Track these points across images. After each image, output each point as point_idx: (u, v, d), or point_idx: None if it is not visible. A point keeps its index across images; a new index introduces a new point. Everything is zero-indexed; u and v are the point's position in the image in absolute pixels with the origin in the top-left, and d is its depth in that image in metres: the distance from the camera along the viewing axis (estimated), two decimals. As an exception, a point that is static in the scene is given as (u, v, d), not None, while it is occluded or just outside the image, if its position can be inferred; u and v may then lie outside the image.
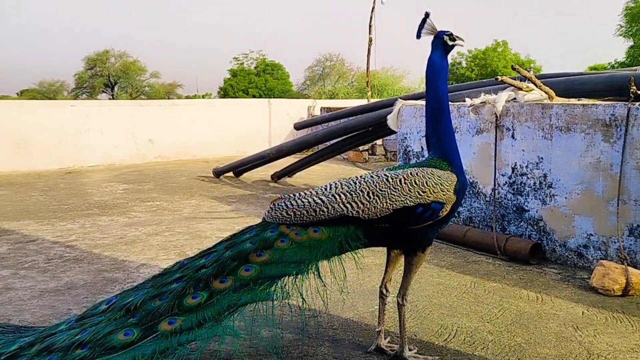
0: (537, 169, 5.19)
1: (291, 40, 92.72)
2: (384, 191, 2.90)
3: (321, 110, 15.04)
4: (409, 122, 6.60)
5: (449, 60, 3.32)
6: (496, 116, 5.46)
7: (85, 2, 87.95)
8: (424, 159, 3.35)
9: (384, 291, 3.23)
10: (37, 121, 11.59)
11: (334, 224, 2.91)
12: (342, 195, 2.92)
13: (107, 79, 52.22)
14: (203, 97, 45.34)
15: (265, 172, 10.38)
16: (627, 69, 10.00)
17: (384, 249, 3.24)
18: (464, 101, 5.90)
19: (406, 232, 2.99)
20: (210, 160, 12.67)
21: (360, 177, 3.04)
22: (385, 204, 2.89)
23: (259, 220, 3.13)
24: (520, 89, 5.44)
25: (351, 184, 2.97)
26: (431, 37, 3.17)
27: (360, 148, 12.65)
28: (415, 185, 2.92)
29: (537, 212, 5.20)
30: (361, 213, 2.89)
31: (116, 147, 12.45)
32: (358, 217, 2.89)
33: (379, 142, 12.98)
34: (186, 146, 13.35)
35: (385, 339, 3.30)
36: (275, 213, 2.97)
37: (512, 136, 5.39)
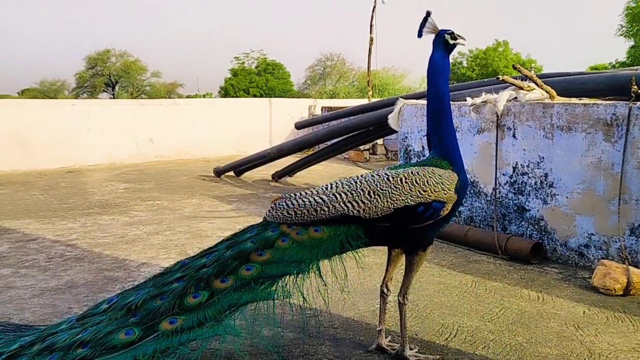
0: (538, 168, 5.18)
1: (292, 40, 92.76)
2: (385, 190, 2.90)
3: (322, 109, 15.04)
4: (410, 122, 6.60)
5: (450, 60, 3.32)
6: (497, 115, 5.46)
7: (86, 2, 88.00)
8: (424, 158, 3.35)
9: (385, 290, 3.22)
10: (38, 120, 11.59)
11: (335, 223, 2.91)
12: (343, 195, 2.91)
13: (108, 78, 52.23)
14: (204, 96, 45.35)
15: (266, 171, 10.38)
16: (628, 69, 9.99)
17: (385, 248, 3.24)
18: (465, 100, 5.89)
19: (407, 231, 2.99)
20: (211, 160, 12.68)
21: (361, 176, 3.04)
22: (386, 203, 2.89)
23: (259, 220, 3.13)
24: (521, 88, 5.43)
25: (352, 183, 2.97)
26: (432, 36, 3.17)
27: (361, 147, 12.65)
28: (416, 185, 2.92)
29: (538, 211, 5.20)
30: (362, 212, 2.88)
31: (117, 147, 12.46)
32: (359, 216, 2.89)
33: (379, 141, 12.97)
34: (187, 145, 13.35)
35: (386, 338, 3.30)
36: (276, 212, 2.97)
37: (513, 135, 5.38)
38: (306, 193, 3.00)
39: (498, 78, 5.66)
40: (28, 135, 11.39)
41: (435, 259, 5.09)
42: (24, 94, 48.71)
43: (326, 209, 2.89)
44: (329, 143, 10.07)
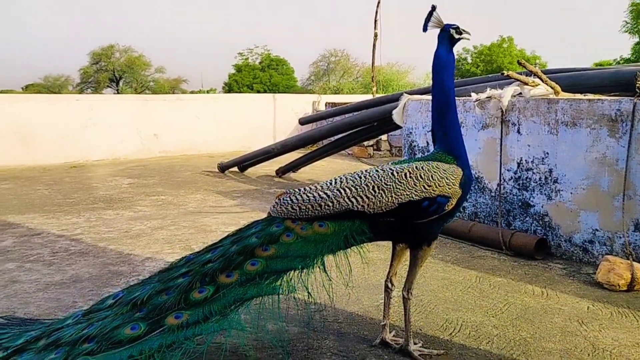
0: (542, 164, 5.17)
1: (296, 36, 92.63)
2: (390, 185, 2.90)
3: (326, 105, 15.03)
4: (414, 117, 6.59)
5: (455, 55, 3.31)
6: (502, 111, 5.45)
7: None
8: (429, 153, 3.35)
9: (390, 285, 3.23)
10: (42, 115, 11.62)
11: (339, 219, 2.91)
12: (347, 190, 2.91)
13: (112, 73, 52.31)
14: (208, 92, 45.44)
15: (269, 167, 10.39)
16: (632, 65, 9.95)
17: (389, 244, 3.24)
18: (470, 96, 5.88)
19: (412, 226, 2.99)
20: (215, 155, 12.69)
21: (366, 171, 3.04)
22: (390, 198, 2.89)
23: (263, 215, 3.13)
24: (526, 83, 5.42)
25: (356, 179, 2.97)
26: (437, 31, 3.16)
27: (365, 143, 12.64)
28: (421, 179, 2.92)
29: (542, 207, 5.19)
30: (366, 207, 2.89)
31: (121, 142, 12.48)
32: (363, 211, 2.89)
33: (384, 137, 12.96)
34: (191, 141, 13.36)
35: (390, 332, 3.30)
36: (280, 208, 2.97)
37: (518, 131, 5.37)
38: (310, 188, 3.00)
39: (503, 74, 5.65)
40: (32, 131, 11.43)
41: (440, 255, 5.09)
42: (28, 89, 48.81)
43: (330, 204, 2.89)
44: (332, 139, 10.06)
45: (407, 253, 3.18)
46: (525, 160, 5.32)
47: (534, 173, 5.25)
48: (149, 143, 12.86)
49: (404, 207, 2.90)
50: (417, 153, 6.55)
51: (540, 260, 4.95)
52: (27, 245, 5.43)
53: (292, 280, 2.84)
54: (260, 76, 45.81)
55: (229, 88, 45.78)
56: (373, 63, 15.98)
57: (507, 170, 5.50)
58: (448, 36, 3.12)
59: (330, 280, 2.97)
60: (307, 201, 2.92)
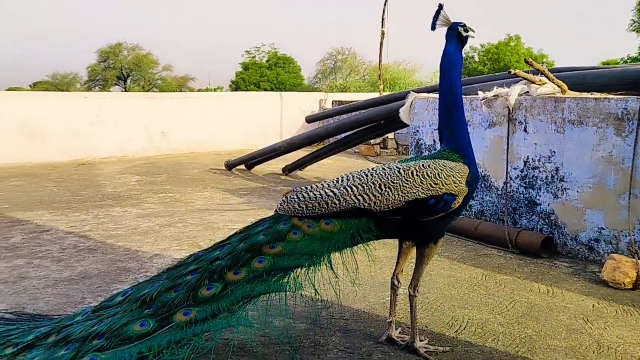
0: (549, 162, 5.18)
1: (303, 34, 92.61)
2: (396, 183, 2.92)
3: (333, 103, 15.04)
4: (421, 115, 6.60)
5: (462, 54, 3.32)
6: (509, 109, 5.45)
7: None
8: (436, 151, 3.36)
9: (396, 282, 3.25)
10: (50, 113, 11.69)
11: (346, 216, 2.93)
12: (354, 188, 2.93)
13: (119, 71, 52.51)
14: (215, 90, 45.47)
15: (276, 165, 10.42)
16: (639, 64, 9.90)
17: (395, 241, 3.26)
18: (477, 94, 5.88)
19: (418, 224, 3.01)
20: (222, 153, 12.74)
21: (372, 169, 3.05)
22: (397, 196, 2.90)
23: (270, 213, 3.16)
24: (533, 82, 5.42)
25: (363, 176, 2.99)
26: (445, 30, 3.17)
27: (372, 141, 12.65)
28: (428, 177, 2.93)
29: (548, 205, 5.19)
30: (373, 205, 2.90)
31: (129, 139, 12.55)
32: (370, 209, 2.91)
33: (390, 135, 12.96)
34: (198, 139, 13.41)
35: (396, 329, 3.32)
36: (287, 205, 2.99)
37: (525, 129, 5.37)
38: (317, 186, 3.02)
39: (510, 72, 5.65)
40: (41, 128, 11.50)
41: (446, 253, 5.11)
42: (36, 86, 49.11)
43: (337, 202, 2.91)
44: (339, 137, 10.07)
45: (414, 251, 3.20)
46: (532, 159, 5.32)
47: (540, 171, 5.25)
48: (156, 141, 12.92)
49: (410, 205, 2.92)
50: (424, 151, 6.56)
51: (546, 259, 4.96)
52: (36, 242, 5.48)
53: (299, 278, 2.86)
54: (267, 74, 45.86)
55: (235, 86, 45.87)
56: (380, 61, 15.96)
57: (514, 168, 5.50)
58: (456, 34, 3.14)
59: (337, 277, 3.00)
60: (314, 199, 2.94)
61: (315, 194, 2.96)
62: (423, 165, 2.98)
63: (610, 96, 5.07)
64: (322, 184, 3.03)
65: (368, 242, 3.06)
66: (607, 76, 6.04)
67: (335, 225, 2.93)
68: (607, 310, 3.79)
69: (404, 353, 3.14)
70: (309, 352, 3.14)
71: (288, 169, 10.03)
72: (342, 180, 3.00)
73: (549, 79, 5.43)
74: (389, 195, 2.90)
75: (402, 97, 7.76)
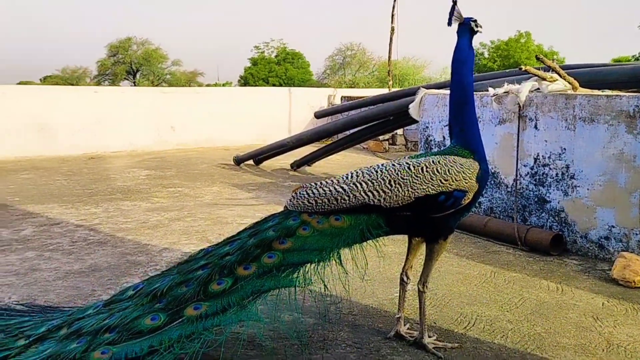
0: (559, 159, 5.15)
1: (312, 29, 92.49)
2: (406, 179, 2.91)
3: (341, 99, 15.01)
4: (431, 111, 6.58)
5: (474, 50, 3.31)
6: (519, 106, 5.42)
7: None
8: (446, 147, 3.35)
9: (405, 278, 3.25)
10: (60, 107, 11.74)
11: (356, 212, 2.93)
12: (364, 184, 2.93)
13: (129, 66, 52.65)
14: (223, 85, 45.56)
15: (285, 160, 10.42)
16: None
17: (404, 237, 3.26)
18: (487, 91, 5.86)
19: (428, 220, 3.01)
20: (230, 148, 12.75)
21: (382, 165, 3.05)
22: (407, 192, 2.90)
23: (278, 208, 3.17)
24: (544, 79, 5.39)
25: (372, 173, 2.99)
26: (455, 26, 3.17)
27: (381, 138, 12.60)
28: (438, 174, 2.93)
29: (558, 203, 5.17)
30: (382, 201, 2.90)
31: (138, 134, 12.58)
32: (379, 205, 2.91)
33: (399, 131, 12.91)
34: (207, 134, 13.43)
35: (404, 325, 3.33)
36: (297, 201, 3.00)
37: (535, 126, 5.35)
38: (327, 182, 3.02)
39: (521, 68, 5.62)
40: (51, 122, 11.56)
41: (455, 249, 5.10)
42: (46, 80, 49.29)
43: (347, 198, 2.91)
44: (348, 133, 10.07)
45: (423, 247, 3.20)
46: (542, 156, 5.30)
47: (550, 169, 5.23)
48: (165, 135, 12.95)
49: (420, 201, 2.91)
50: (434, 147, 6.54)
51: (556, 256, 4.94)
52: (47, 235, 5.53)
53: (308, 273, 2.87)
54: (275, 70, 45.84)
55: (244, 81, 45.88)
56: (389, 57, 15.90)
57: (524, 165, 5.48)
58: (468, 29, 3.13)
59: (346, 273, 3.00)
60: (324, 195, 2.94)
61: (324, 190, 2.96)
62: (433, 161, 2.98)
63: (621, 93, 5.03)
64: (332, 180, 3.03)
65: (377, 238, 3.06)
66: (618, 73, 6.00)
67: (344, 222, 2.93)
68: (617, 308, 3.78)
69: (412, 349, 3.15)
70: (317, 346, 3.15)
71: (296, 165, 10.04)
72: (352, 177, 3.00)
73: (560, 76, 5.40)
74: (399, 192, 2.90)
75: (412, 93, 7.74)
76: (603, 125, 4.78)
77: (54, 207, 6.77)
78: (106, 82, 51.77)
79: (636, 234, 4.56)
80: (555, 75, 5.43)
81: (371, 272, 4.22)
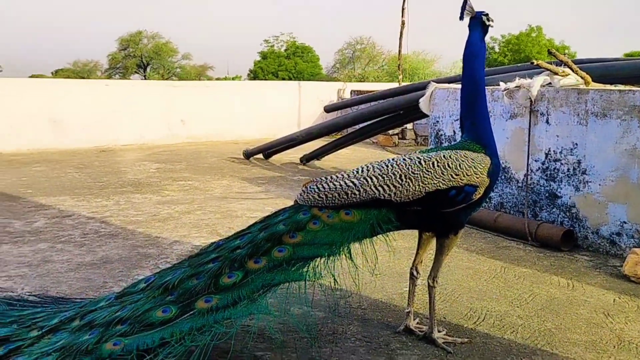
0: (571, 154, 5.11)
1: (322, 23, 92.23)
2: (417, 174, 2.91)
3: (351, 93, 14.98)
4: (441, 106, 6.55)
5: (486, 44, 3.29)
6: (531, 101, 5.38)
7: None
8: (457, 141, 3.34)
9: (415, 273, 3.24)
10: (72, 100, 11.81)
11: (366, 207, 2.92)
12: (374, 178, 2.93)
13: (139, 59, 52.85)
14: (233, 79, 45.58)
15: (294, 154, 10.43)
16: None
17: (413, 232, 3.25)
18: (498, 85, 5.82)
19: (439, 215, 3.00)
20: (240, 142, 12.78)
21: (392, 159, 3.04)
22: (417, 187, 2.89)
23: (288, 202, 3.17)
24: (556, 73, 5.35)
25: (383, 167, 2.98)
26: (466, 21, 3.15)
27: (390, 132, 12.57)
28: (449, 168, 2.92)
29: (570, 198, 5.14)
30: (393, 196, 2.90)
31: (149, 127, 12.63)
32: (390, 200, 2.90)
33: (409, 126, 12.89)
34: (217, 127, 13.46)
35: (414, 320, 3.33)
36: (307, 196, 2.99)
37: (547, 121, 5.31)
38: (337, 177, 3.02)
39: (532, 63, 5.58)
40: (62, 115, 11.63)
41: (465, 244, 5.08)
42: (58, 74, 49.60)
43: (357, 192, 2.91)
44: (357, 127, 10.05)
45: (433, 241, 3.20)
46: (554, 151, 5.26)
47: (562, 164, 5.19)
48: (176, 129, 13.00)
49: (430, 196, 2.90)
50: (444, 142, 6.51)
51: (567, 252, 4.91)
52: (59, 227, 5.57)
53: (318, 267, 2.87)
54: (285, 63, 45.80)
55: (254, 75, 45.91)
56: (400, 51, 15.84)
57: (535, 160, 5.44)
58: (480, 23, 3.11)
59: (356, 267, 3.00)
60: (334, 189, 2.94)
61: (335, 185, 2.96)
62: (444, 156, 2.97)
63: (634, 88, 4.98)
64: (342, 175, 3.03)
65: (387, 233, 3.05)
66: (632, 68, 5.95)
67: (355, 216, 2.93)
68: (629, 305, 3.75)
69: (422, 343, 3.15)
70: (327, 340, 3.16)
71: (306, 159, 10.04)
72: (362, 171, 3.00)
73: (573, 70, 5.36)
74: (410, 186, 2.89)
75: (422, 87, 7.72)
76: (615, 121, 4.74)
77: (66, 199, 6.82)
78: (117, 75, 52.02)
79: (648, 230, 4.53)
80: (567, 70, 5.39)
81: (380, 267, 4.21)
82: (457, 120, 6.20)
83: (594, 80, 5.44)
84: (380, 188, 2.90)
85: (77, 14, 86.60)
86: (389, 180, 2.91)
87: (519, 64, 8.97)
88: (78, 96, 11.95)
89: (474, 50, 3.14)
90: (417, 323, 3.34)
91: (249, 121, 13.84)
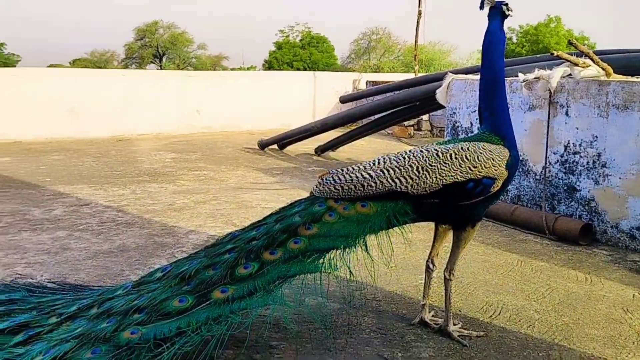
0: (590, 147, 5.04)
1: (337, 13, 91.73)
2: (434, 166, 2.88)
3: (367, 84, 14.90)
4: (458, 97, 6.48)
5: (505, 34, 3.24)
6: (550, 92, 5.31)
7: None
8: (475, 133, 3.30)
9: (431, 266, 3.22)
10: (89, 89, 11.90)
11: (382, 199, 2.90)
12: (391, 170, 2.90)
13: (155, 49, 53.08)
14: (248, 69, 45.63)
15: (309, 145, 10.41)
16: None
17: (428, 224, 3.22)
18: (517, 76, 5.74)
19: (456, 207, 2.97)
20: (255, 132, 12.79)
21: (409, 151, 3.01)
22: (435, 179, 2.87)
23: (302, 193, 3.16)
24: (576, 64, 5.26)
25: (400, 159, 2.95)
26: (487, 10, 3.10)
27: (406, 123, 12.49)
28: (467, 160, 2.88)
29: (589, 192, 5.07)
30: (410, 188, 2.87)
31: (164, 117, 12.69)
32: (407, 192, 2.88)
33: (425, 117, 12.79)
34: (232, 118, 13.49)
35: (429, 312, 3.31)
36: (323, 187, 2.98)
37: (566, 113, 5.23)
38: (353, 168, 3.00)
39: (552, 54, 5.49)
40: (80, 104, 11.72)
41: (480, 237, 5.04)
42: (75, 63, 50.03)
43: (373, 184, 2.89)
44: (372, 118, 9.99)
45: (450, 234, 3.17)
46: (573, 144, 5.19)
47: (581, 157, 5.12)
48: (191, 119, 13.04)
49: (448, 189, 2.88)
50: (460, 134, 6.45)
51: (585, 246, 4.85)
52: (77, 215, 5.63)
53: (334, 259, 2.86)
54: (300, 54, 45.70)
55: (269, 65, 45.88)
56: (416, 41, 15.72)
57: (554, 153, 5.37)
58: (500, 13, 3.06)
59: (372, 259, 2.99)
60: (350, 181, 2.92)
61: (351, 177, 2.94)
62: (462, 147, 2.93)
63: (658, 80, 4.88)
64: (359, 166, 3.01)
65: (403, 225, 3.03)
66: (655, 59, 5.83)
67: (371, 208, 2.91)
68: (648, 300, 3.70)
69: (437, 336, 3.13)
70: (341, 331, 3.16)
71: (320, 150, 10.02)
72: (379, 163, 2.97)
73: (594, 62, 5.26)
74: (427, 179, 2.87)
75: (439, 78, 7.65)
76: (637, 113, 4.65)
77: (83, 188, 6.89)
78: (133, 65, 52.33)
79: (669, 225, 4.45)
80: (588, 61, 5.29)
81: (396, 259, 4.20)
82: (474, 111, 6.14)
83: (615, 72, 5.34)
84: (397, 180, 2.88)
85: (94, 4, 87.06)
86: (406, 172, 2.88)
87: (538, 55, 8.85)
88: (96, 86, 12.05)
89: (494, 40, 3.09)
90: (432, 316, 3.33)
91: (264, 111, 13.83)
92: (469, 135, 5.97)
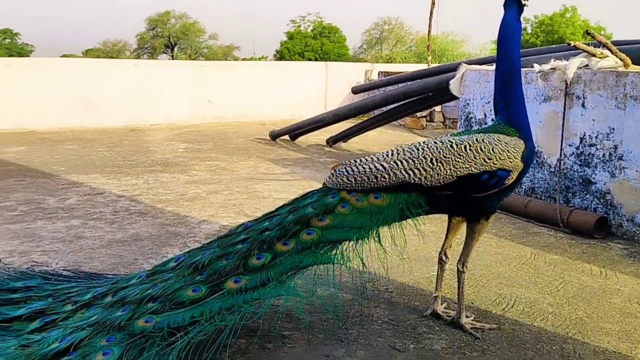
0: (607, 139, 4.97)
1: (349, 3, 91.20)
2: (448, 158, 2.85)
3: (379, 74, 14.80)
4: (472, 88, 6.42)
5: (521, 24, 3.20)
6: (566, 83, 5.24)
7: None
8: (490, 124, 3.27)
9: (444, 258, 3.21)
10: (102, 79, 11.94)
11: (396, 191, 2.89)
12: (404, 162, 2.88)
13: (167, 39, 53.18)
14: (259, 59, 45.57)
15: (320, 136, 10.39)
16: None
17: (441, 216, 3.21)
18: (532, 67, 5.68)
19: (470, 199, 2.95)
20: (266, 123, 12.79)
21: (423, 143, 2.99)
22: (449, 171, 2.84)
23: (314, 184, 3.16)
24: (593, 55, 5.18)
25: (413, 150, 2.93)
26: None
27: (418, 114, 12.40)
28: (481, 152, 2.86)
29: (604, 184, 5.01)
30: (423, 180, 2.85)
31: (176, 107, 12.71)
32: (420, 184, 2.86)
33: (437, 108, 12.68)
34: (243, 108, 13.48)
35: (441, 304, 3.30)
36: (336, 179, 2.97)
37: (582, 105, 5.17)
38: (366, 160, 2.98)
39: (569, 44, 5.42)
40: (93, 94, 11.77)
41: (494, 230, 5.01)
42: (88, 53, 50.29)
43: (387, 176, 2.87)
44: (384, 109, 9.93)
45: (463, 226, 3.15)
46: (589, 136, 5.13)
47: (597, 149, 5.06)
48: (203, 109, 13.06)
49: (462, 181, 2.85)
50: (474, 125, 6.40)
51: (600, 240, 4.81)
52: (91, 204, 5.67)
53: (346, 250, 2.86)
54: (311, 44, 45.56)
55: (280, 56, 45.82)
56: (429, 32, 15.54)
57: (569, 145, 5.31)
58: (516, 2, 3.01)
59: (385, 251, 2.98)
60: (363, 173, 2.91)
61: (364, 168, 2.93)
62: (477, 139, 2.90)
63: (677, 71, 4.80)
64: (372, 158, 2.99)
65: (417, 217, 3.02)
66: (674, 50, 5.73)
67: (384, 200, 2.89)
68: (664, 295, 3.66)
69: (449, 328, 3.13)
70: (354, 322, 3.16)
71: (332, 141, 9.99)
72: (392, 154, 2.95)
73: (612, 52, 5.18)
74: (441, 170, 2.84)
75: (452, 69, 7.57)
76: (655, 105, 4.59)
77: (97, 177, 6.93)
78: (145, 55, 52.49)
79: (686, 219, 4.40)
80: (605, 52, 5.22)
81: (408, 251, 4.18)
82: (488, 102, 6.08)
83: (633, 63, 5.26)
84: (410, 172, 2.86)
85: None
86: (420, 164, 2.86)
87: (554, 45, 8.74)
88: (108, 76, 12.08)
89: (510, 30, 3.05)
90: (445, 308, 3.31)
91: (275, 102, 13.80)
92: (483, 126, 5.92)
